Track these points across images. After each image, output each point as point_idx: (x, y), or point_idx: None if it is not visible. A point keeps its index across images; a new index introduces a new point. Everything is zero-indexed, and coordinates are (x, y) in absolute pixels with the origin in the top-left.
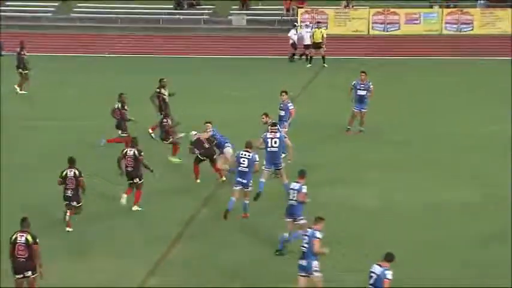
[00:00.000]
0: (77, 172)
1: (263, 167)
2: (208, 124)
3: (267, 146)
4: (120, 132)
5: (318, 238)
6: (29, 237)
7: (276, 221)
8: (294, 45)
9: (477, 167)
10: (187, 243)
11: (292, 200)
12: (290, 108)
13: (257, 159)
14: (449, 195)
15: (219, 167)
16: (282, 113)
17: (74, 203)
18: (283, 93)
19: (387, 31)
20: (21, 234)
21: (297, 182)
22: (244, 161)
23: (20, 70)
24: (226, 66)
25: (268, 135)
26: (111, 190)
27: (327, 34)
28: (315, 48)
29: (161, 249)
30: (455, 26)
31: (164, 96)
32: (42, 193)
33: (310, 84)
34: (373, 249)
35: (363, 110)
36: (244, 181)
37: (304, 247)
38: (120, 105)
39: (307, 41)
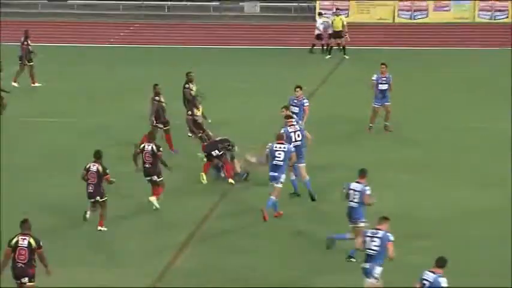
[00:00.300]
0: (100, 168)
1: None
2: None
3: (290, 141)
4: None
5: (392, 241)
6: (32, 241)
7: (291, 223)
8: (320, 36)
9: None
10: (195, 248)
11: (353, 201)
12: (305, 105)
13: (293, 149)
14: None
15: (230, 169)
16: (296, 109)
17: (98, 198)
18: (298, 89)
19: (414, 19)
20: (23, 237)
21: (357, 183)
22: (280, 154)
23: (22, 62)
24: (237, 57)
25: (290, 129)
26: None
27: (347, 22)
28: (335, 38)
29: (167, 257)
30: (488, 13)
31: (191, 92)
32: (42, 194)
33: (329, 77)
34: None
35: (386, 103)
36: (276, 174)
37: (374, 250)
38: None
39: (336, 29)
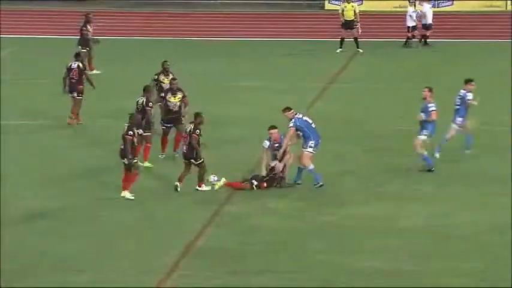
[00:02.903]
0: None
1: (311, 150)
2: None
3: (307, 126)
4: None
5: None
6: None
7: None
8: (413, 28)
9: None
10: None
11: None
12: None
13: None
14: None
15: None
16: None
17: (192, 161)
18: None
19: (438, 7)
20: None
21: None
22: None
23: (82, 48)
24: (237, 51)
25: (299, 115)
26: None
27: (360, 11)
28: (347, 29)
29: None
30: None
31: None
32: None
33: (341, 74)
34: None
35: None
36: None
37: None
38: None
39: (430, 20)
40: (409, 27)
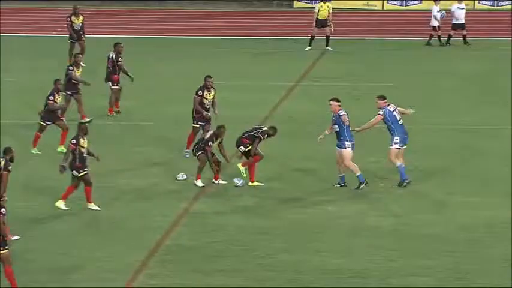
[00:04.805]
0: None
1: (397, 146)
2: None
3: (394, 121)
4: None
5: None
6: None
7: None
8: (437, 28)
9: None
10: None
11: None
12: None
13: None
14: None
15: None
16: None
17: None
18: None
19: (406, 5)
20: None
21: None
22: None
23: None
24: (206, 49)
25: (390, 108)
26: None
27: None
28: (320, 27)
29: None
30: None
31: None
32: None
33: (309, 73)
34: None
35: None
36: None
37: None
38: None
39: (461, 20)
40: (434, 26)
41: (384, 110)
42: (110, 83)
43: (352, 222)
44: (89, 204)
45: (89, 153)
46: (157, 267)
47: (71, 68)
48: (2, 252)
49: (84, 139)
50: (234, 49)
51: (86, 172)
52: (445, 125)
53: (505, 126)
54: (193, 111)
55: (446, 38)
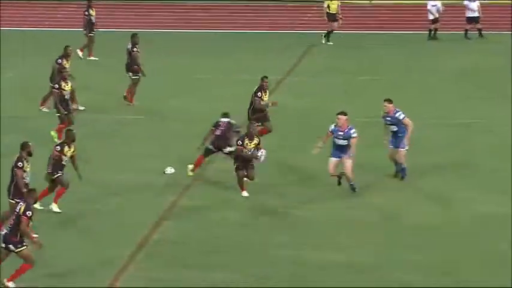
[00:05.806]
0: None
1: (406, 148)
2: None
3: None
4: None
5: None
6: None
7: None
8: (437, 20)
9: None
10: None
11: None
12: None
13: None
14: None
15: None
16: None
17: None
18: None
19: None
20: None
21: None
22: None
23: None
24: (200, 44)
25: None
26: None
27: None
28: (333, 21)
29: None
30: None
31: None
32: None
33: (298, 67)
34: None
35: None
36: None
37: None
38: None
39: (475, 13)
40: (434, 19)
41: (401, 112)
42: (130, 73)
43: (346, 217)
44: (53, 204)
45: (73, 165)
46: (145, 262)
47: (59, 60)
48: (19, 250)
49: (69, 147)
50: (232, 43)
51: (60, 174)
52: (436, 119)
53: (500, 121)
54: (251, 112)
55: (463, 32)
